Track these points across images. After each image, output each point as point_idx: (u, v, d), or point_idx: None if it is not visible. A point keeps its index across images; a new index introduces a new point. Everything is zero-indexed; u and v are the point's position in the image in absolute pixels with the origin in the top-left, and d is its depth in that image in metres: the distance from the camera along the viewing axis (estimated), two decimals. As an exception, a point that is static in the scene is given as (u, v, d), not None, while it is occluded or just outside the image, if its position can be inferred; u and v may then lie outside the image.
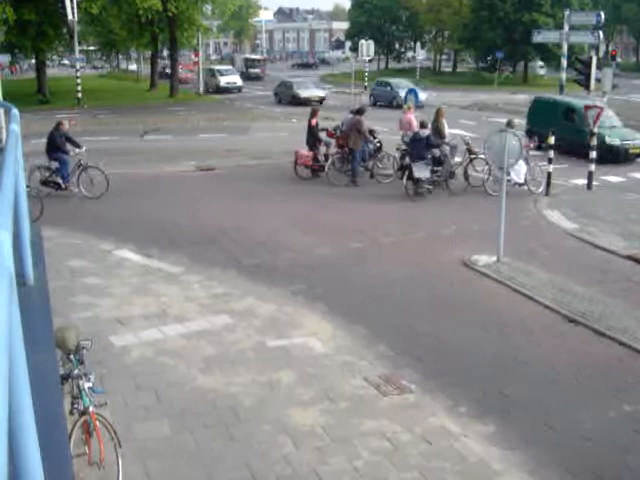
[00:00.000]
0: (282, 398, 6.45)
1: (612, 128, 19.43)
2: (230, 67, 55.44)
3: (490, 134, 10.64)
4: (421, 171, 14.54)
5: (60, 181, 14.51)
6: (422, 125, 15.30)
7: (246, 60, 65.50)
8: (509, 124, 14.48)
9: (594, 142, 15.55)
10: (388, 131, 20.98)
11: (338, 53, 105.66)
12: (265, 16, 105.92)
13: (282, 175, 17.22)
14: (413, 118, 17.03)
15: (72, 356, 5.11)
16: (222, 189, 16.10)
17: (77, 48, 39.07)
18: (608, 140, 18.78)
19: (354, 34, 72.63)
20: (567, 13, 33.78)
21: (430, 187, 14.89)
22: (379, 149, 17.11)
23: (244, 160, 19.52)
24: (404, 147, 16.08)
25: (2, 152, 3.60)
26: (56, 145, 14.58)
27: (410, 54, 79.08)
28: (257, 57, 71.15)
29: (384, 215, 13.63)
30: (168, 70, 48.39)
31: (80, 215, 13.37)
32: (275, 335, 7.85)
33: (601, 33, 32.50)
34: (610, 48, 55.21)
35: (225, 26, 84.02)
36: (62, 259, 10.29)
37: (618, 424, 6.15)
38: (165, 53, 64.25)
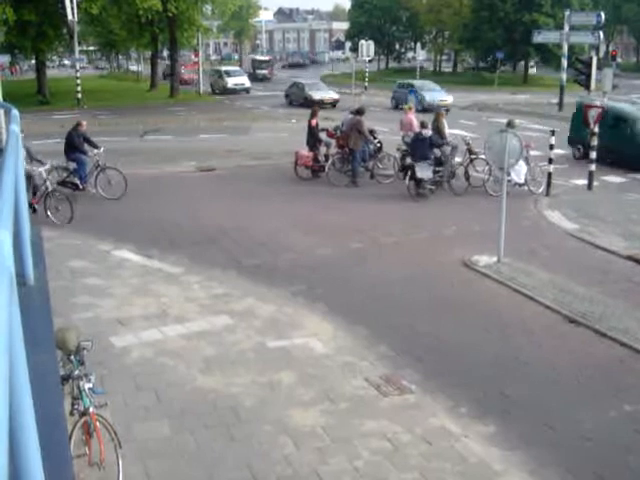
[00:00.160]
0: (283, 399, 6.45)
1: None
2: (238, 68, 54.34)
3: (490, 134, 10.63)
4: (424, 171, 14.55)
5: (78, 182, 14.34)
6: (423, 125, 15.31)
7: (253, 61, 64.23)
8: (509, 124, 14.49)
9: (594, 142, 15.54)
10: (388, 131, 20.98)
11: (338, 53, 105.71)
12: (265, 16, 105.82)
13: (282, 175, 17.21)
14: (414, 118, 17.04)
15: (72, 357, 5.10)
16: (222, 189, 16.10)
17: (77, 48, 39.09)
18: None
19: (354, 34, 72.64)
20: (567, 13, 33.86)
21: (433, 187, 14.90)
22: (379, 149, 17.11)
23: (244, 160, 19.52)
24: (404, 147, 16.09)
25: (2, 152, 3.60)
26: (74, 145, 14.46)
27: (410, 54, 79.07)
28: (265, 58, 69.36)
29: (384, 215, 13.63)
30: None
31: (80, 215, 13.34)
32: (275, 336, 7.85)
33: (601, 33, 32.59)
34: (610, 48, 55.18)
35: (225, 26, 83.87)
36: (62, 259, 10.29)
37: (619, 424, 6.15)
38: (165, 53, 64.17)
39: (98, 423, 4.92)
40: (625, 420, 6.23)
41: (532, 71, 61.08)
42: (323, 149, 17.02)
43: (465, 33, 58.19)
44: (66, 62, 71.46)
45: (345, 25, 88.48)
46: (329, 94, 37.27)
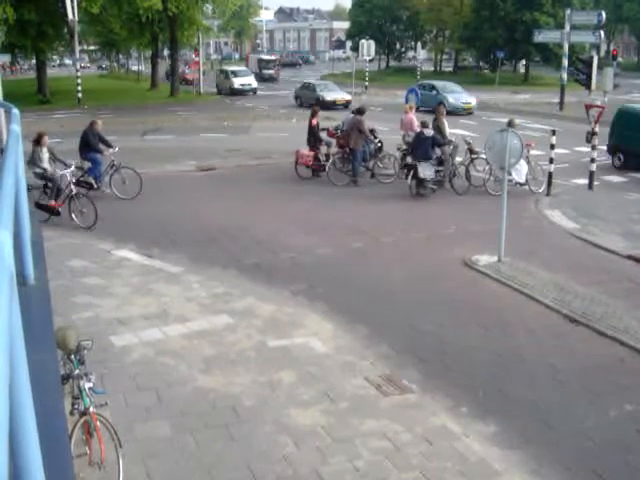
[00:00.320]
0: (283, 398, 6.45)
1: None
2: (244, 68, 53.11)
3: (491, 134, 10.63)
4: (426, 171, 14.56)
5: (92, 181, 14.13)
6: (423, 125, 15.30)
7: (260, 61, 62.44)
8: (510, 124, 14.46)
9: (595, 142, 15.53)
10: (389, 131, 20.97)
11: (339, 53, 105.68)
12: (266, 16, 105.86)
13: (283, 175, 17.21)
14: (414, 118, 17.03)
15: (73, 356, 5.10)
16: (223, 189, 16.10)
17: (77, 48, 39.09)
18: None
19: (355, 34, 72.47)
20: (568, 12, 33.83)
21: (434, 187, 14.90)
22: (380, 149, 17.11)
23: (245, 160, 19.51)
24: (405, 147, 16.08)
25: (2, 152, 3.60)
26: (90, 144, 14.35)
27: (411, 54, 79.00)
28: (271, 57, 67.53)
29: (385, 215, 13.63)
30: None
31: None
32: (276, 335, 7.85)
33: (602, 32, 32.54)
34: (611, 47, 55.19)
35: (226, 26, 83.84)
36: (63, 259, 10.29)
37: (619, 424, 6.15)
38: (166, 53, 64.09)
39: (98, 422, 4.92)
40: (625, 419, 6.23)
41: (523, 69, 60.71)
42: (324, 148, 17.02)
43: (465, 32, 58.10)
44: (67, 61, 71.48)
45: (346, 24, 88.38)
46: (341, 95, 36.18)
